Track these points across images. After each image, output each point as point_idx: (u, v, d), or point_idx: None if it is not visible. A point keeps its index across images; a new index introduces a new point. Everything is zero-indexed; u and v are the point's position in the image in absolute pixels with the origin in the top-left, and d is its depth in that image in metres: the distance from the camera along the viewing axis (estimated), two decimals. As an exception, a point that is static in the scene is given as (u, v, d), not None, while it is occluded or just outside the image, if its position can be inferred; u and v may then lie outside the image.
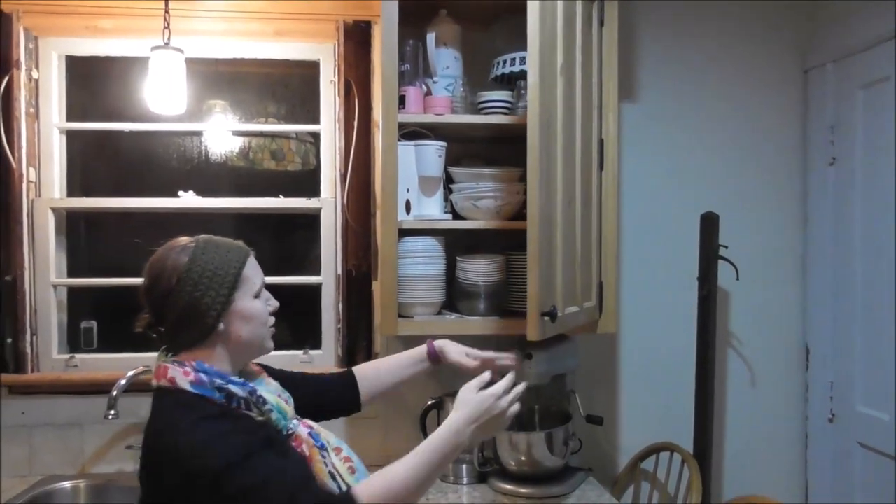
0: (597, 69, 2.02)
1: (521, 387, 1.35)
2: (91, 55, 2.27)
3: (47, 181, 2.23)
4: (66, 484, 2.11)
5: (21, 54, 2.15)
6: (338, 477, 1.25)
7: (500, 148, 2.22)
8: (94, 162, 2.38)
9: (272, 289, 1.35)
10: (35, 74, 2.21)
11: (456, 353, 1.57)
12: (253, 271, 1.29)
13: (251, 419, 1.21)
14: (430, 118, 2.00)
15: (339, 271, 2.27)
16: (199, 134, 2.37)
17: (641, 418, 2.41)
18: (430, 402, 2.10)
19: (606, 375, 2.41)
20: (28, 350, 2.17)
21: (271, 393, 1.28)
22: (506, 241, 2.09)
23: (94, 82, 2.35)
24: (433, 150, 2.00)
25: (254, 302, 1.27)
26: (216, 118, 2.37)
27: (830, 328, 2.36)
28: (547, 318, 1.64)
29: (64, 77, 2.27)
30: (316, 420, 1.38)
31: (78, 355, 2.24)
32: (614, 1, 2.03)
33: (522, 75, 2.04)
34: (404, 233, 1.96)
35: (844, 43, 2.28)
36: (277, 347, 1.37)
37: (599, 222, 2.05)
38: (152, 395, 1.24)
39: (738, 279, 2.30)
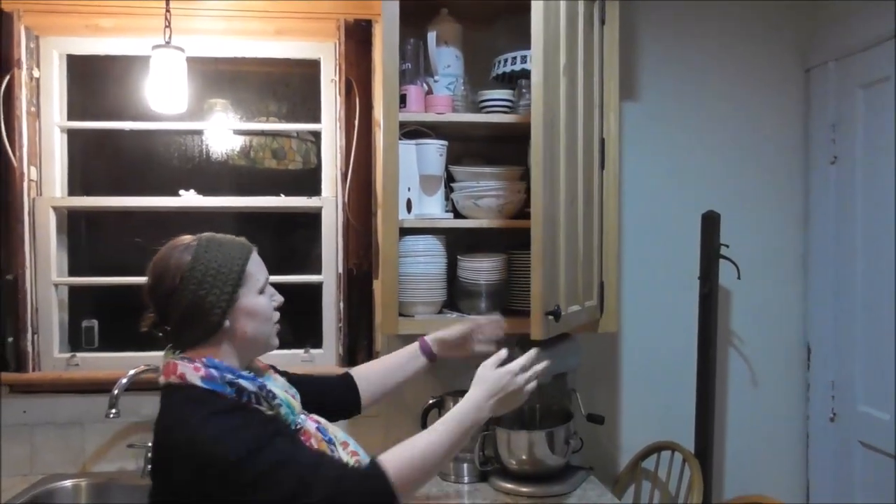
0: (598, 68, 2.02)
1: (540, 365, 1.40)
2: (92, 54, 2.26)
3: (48, 180, 2.23)
4: (68, 483, 2.11)
5: (22, 53, 2.15)
6: None
7: (501, 147, 2.22)
8: (95, 161, 2.38)
9: (273, 287, 1.35)
10: (36, 73, 2.21)
11: (444, 332, 1.63)
12: (256, 267, 1.29)
13: (262, 413, 1.22)
14: (431, 117, 2.00)
15: (340, 270, 2.27)
16: (199, 133, 2.37)
17: (642, 417, 2.41)
18: (431, 401, 2.10)
19: (607, 374, 2.41)
20: (29, 349, 2.18)
21: (279, 388, 1.29)
22: (507, 239, 2.09)
23: (94, 81, 2.35)
24: (434, 149, 2.00)
25: (258, 298, 1.28)
26: (217, 117, 2.37)
27: (832, 327, 2.35)
28: (551, 318, 1.64)
29: (65, 76, 2.28)
30: None
31: (79, 354, 2.24)
32: (615, 1, 2.03)
33: (523, 74, 2.04)
34: (405, 232, 1.96)
35: (846, 42, 2.28)
36: (278, 346, 1.37)
37: (601, 221, 2.05)
38: (161, 393, 1.25)
39: (739, 278, 2.29)
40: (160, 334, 1.26)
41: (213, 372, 1.20)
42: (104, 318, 2.31)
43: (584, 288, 1.93)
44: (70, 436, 2.18)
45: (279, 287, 1.38)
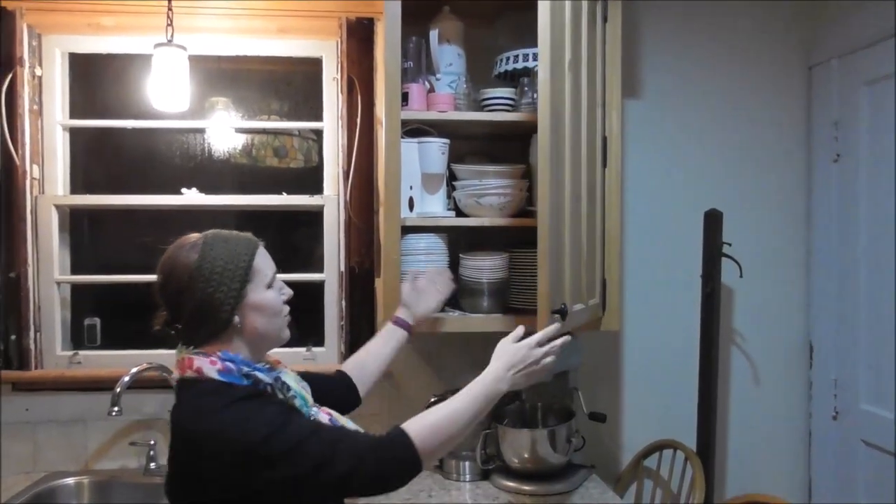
0: (600, 66, 2.01)
1: (559, 340, 1.45)
2: (94, 52, 2.27)
3: (51, 178, 2.24)
4: (70, 480, 2.12)
5: (24, 51, 2.15)
6: None
7: (503, 145, 2.22)
8: (97, 159, 2.38)
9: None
10: (38, 71, 2.21)
11: (410, 290, 1.74)
12: (264, 262, 1.30)
13: (278, 397, 1.25)
14: (433, 115, 1.99)
15: (342, 268, 2.27)
16: (201, 131, 2.37)
17: (644, 416, 2.41)
18: (432, 399, 2.10)
19: (609, 373, 2.41)
20: (32, 347, 2.18)
21: (293, 381, 1.32)
22: (509, 238, 2.08)
23: (96, 79, 2.35)
24: (436, 148, 1.99)
25: (266, 293, 1.29)
26: (219, 115, 2.37)
27: (834, 325, 2.35)
28: (557, 316, 1.64)
29: (67, 74, 2.28)
30: None
31: (81, 352, 2.25)
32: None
33: (525, 72, 2.04)
34: (407, 230, 1.96)
35: (849, 39, 2.27)
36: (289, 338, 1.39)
37: (603, 220, 2.05)
38: (176, 388, 1.26)
39: (741, 276, 2.29)
40: (172, 332, 1.28)
41: (230, 365, 1.22)
42: (106, 316, 2.31)
43: (586, 286, 1.92)
44: (72, 433, 2.18)
45: (281, 285, 1.38)
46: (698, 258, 2.29)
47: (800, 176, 2.47)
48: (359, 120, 2.24)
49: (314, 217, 2.32)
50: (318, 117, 2.32)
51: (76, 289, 2.31)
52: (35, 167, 2.20)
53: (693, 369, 2.29)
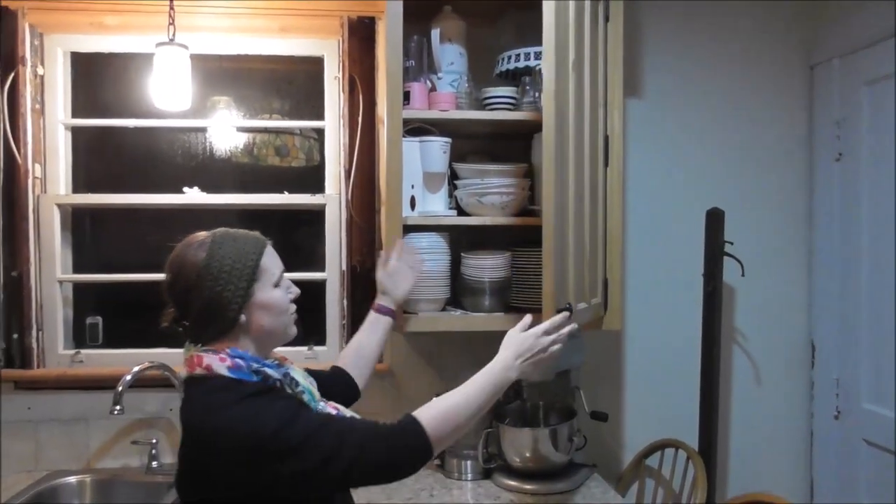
0: (602, 65, 2.01)
1: (566, 328, 1.47)
2: (96, 51, 2.27)
3: (53, 177, 2.24)
4: (72, 479, 2.12)
5: (26, 51, 2.15)
6: None
7: (505, 144, 2.22)
8: (99, 158, 2.38)
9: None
10: (40, 71, 2.21)
11: (385, 274, 1.76)
12: (271, 261, 1.31)
13: (287, 392, 1.27)
14: (434, 114, 2.00)
15: (344, 267, 2.27)
16: (203, 130, 2.37)
17: (646, 415, 2.40)
18: (434, 398, 2.10)
19: (611, 372, 2.41)
20: (34, 345, 2.18)
21: (300, 376, 1.33)
22: (511, 237, 2.09)
23: (98, 78, 2.35)
24: (438, 147, 1.99)
25: (274, 292, 1.30)
26: (220, 114, 2.37)
27: (836, 325, 2.35)
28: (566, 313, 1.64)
29: (69, 73, 2.28)
30: None
31: (83, 351, 2.25)
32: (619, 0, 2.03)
33: (527, 71, 2.04)
34: (409, 229, 1.96)
35: (850, 39, 2.27)
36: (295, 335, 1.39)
37: (604, 219, 2.05)
38: (185, 386, 1.27)
39: (743, 275, 2.29)
40: (180, 329, 1.29)
41: (240, 361, 1.23)
42: (108, 315, 2.31)
43: (589, 286, 1.92)
44: (74, 432, 2.19)
45: (284, 284, 1.38)
46: (700, 257, 2.28)
47: (801, 175, 2.47)
48: (360, 119, 2.24)
49: (316, 216, 2.32)
50: (320, 116, 2.32)
51: (78, 288, 2.31)
52: (37, 166, 2.20)
53: (695, 368, 2.29)
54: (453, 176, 2.09)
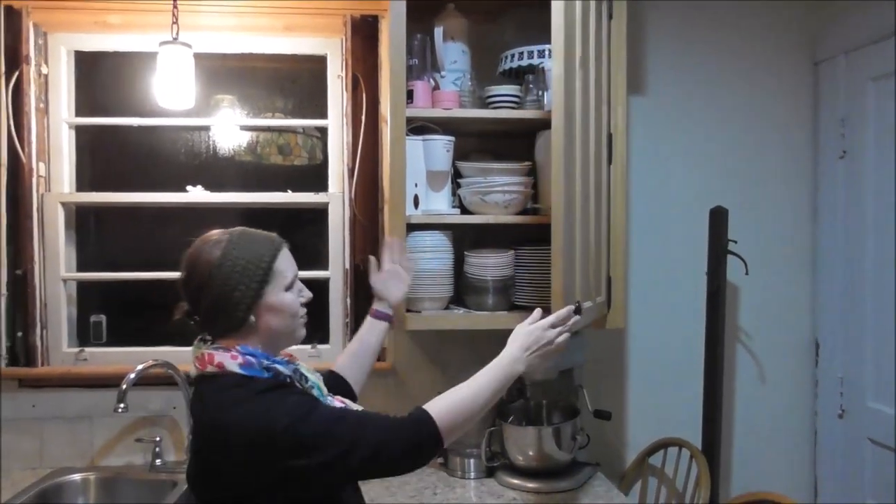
0: (606, 63, 2.01)
1: (572, 320, 1.50)
2: (100, 50, 2.27)
3: (57, 176, 2.24)
4: (76, 476, 2.12)
5: (30, 50, 2.16)
6: None
7: (509, 142, 2.21)
8: (102, 157, 2.38)
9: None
10: (44, 70, 2.22)
11: (379, 279, 1.75)
12: (285, 264, 1.32)
13: (299, 387, 1.28)
14: (437, 112, 1.99)
15: (347, 266, 2.27)
16: (206, 129, 2.37)
17: (649, 413, 2.40)
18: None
19: (614, 370, 2.41)
20: (38, 343, 2.19)
21: (309, 373, 1.34)
22: (514, 235, 2.08)
23: (102, 77, 2.36)
24: (441, 145, 1.99)
25: (284, 295, 1.30)
26: (224, 113, 2.37)
27: (840, 323, 2.34)
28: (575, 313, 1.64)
29: (73, 72, 2.28)
30: None
31: (87, 349, 2.25)
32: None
33: (530, 69, 2.04)
34: (412, 227, 1.96)
35: (855, 35, 2.26)
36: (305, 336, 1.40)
37: (608, 217, 2.04)
38: (196, 383, 1.28)
39: (747, 274, 2.29)
40: (192, 322, 1.30)
41: (251, 359, 1.23)
42: (112, 313, 2.32)
43: (594, 284, 1.92)
44: (78, 430, 2.19)
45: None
46: (703, 255, 2.28)
47: (806, 173, 2.46)
48: (363, 117, 2.24)
49: (319, 214, 2.32)
50: (323, 115, 2.32)
51: (82, 286, 2.32)
52: (41, 165, 2.21)
53: (698, 367, 2.29)
54: (456, 174, 2.09)
